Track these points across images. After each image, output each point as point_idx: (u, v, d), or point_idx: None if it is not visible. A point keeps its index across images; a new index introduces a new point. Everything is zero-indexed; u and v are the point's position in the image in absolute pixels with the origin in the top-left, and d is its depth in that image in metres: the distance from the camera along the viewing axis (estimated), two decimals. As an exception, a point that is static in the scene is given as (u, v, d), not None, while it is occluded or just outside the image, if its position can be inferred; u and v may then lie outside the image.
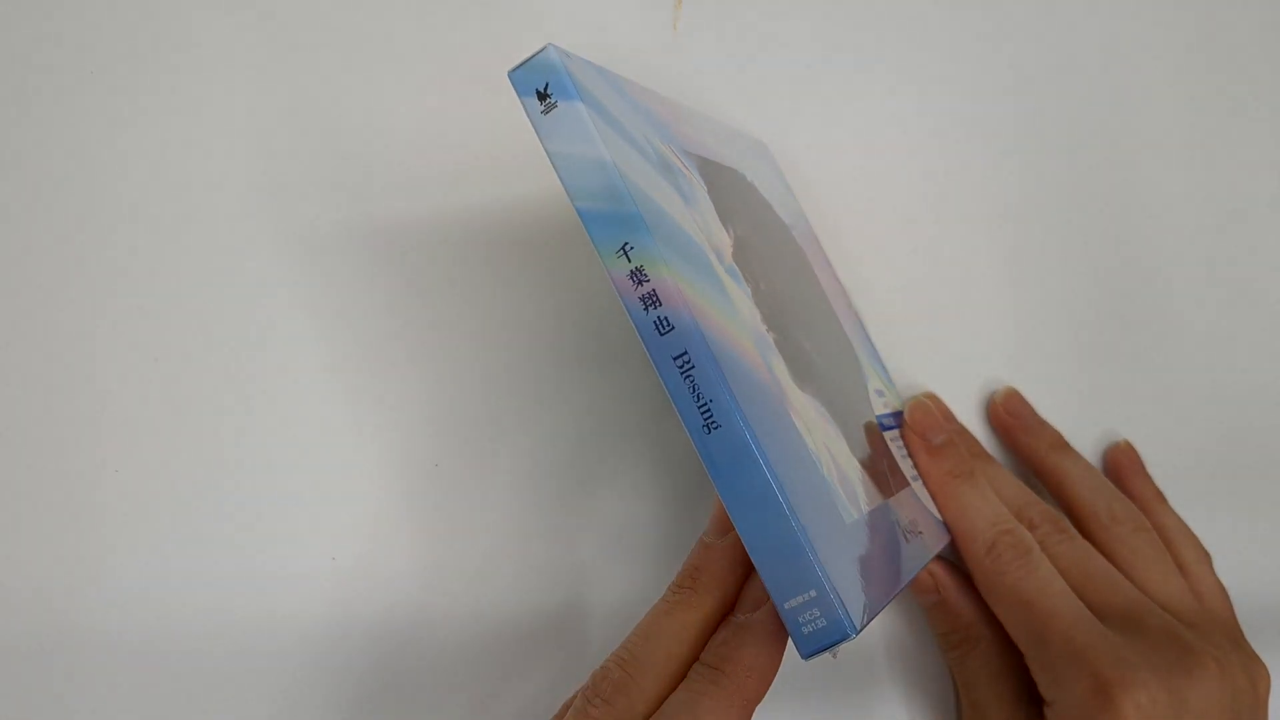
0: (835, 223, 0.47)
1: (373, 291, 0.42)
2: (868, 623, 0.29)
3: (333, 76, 0.44)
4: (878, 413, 0.40)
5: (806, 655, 0.28)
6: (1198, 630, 0.38)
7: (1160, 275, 0.50)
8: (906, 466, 0.39)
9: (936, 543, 0.38)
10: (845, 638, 0.27)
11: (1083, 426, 0.47)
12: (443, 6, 0.45)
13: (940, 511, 0.40)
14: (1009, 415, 0.45)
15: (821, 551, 0.28)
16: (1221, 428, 0.49)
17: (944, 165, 0.49)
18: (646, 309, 0.28)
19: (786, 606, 0.28)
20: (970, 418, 0.47)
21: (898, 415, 0.42)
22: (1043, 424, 0.45)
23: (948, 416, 0.44)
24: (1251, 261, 0.51)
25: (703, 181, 0.35)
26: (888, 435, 0.39)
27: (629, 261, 0.28)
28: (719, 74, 0.48)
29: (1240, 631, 0.40)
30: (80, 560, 0.38)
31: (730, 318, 0.30)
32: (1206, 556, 0.42)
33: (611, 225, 0.28)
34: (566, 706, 0.33)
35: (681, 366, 0.28)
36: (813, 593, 0.27)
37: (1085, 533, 0.42)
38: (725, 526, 0.33)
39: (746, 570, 0.32)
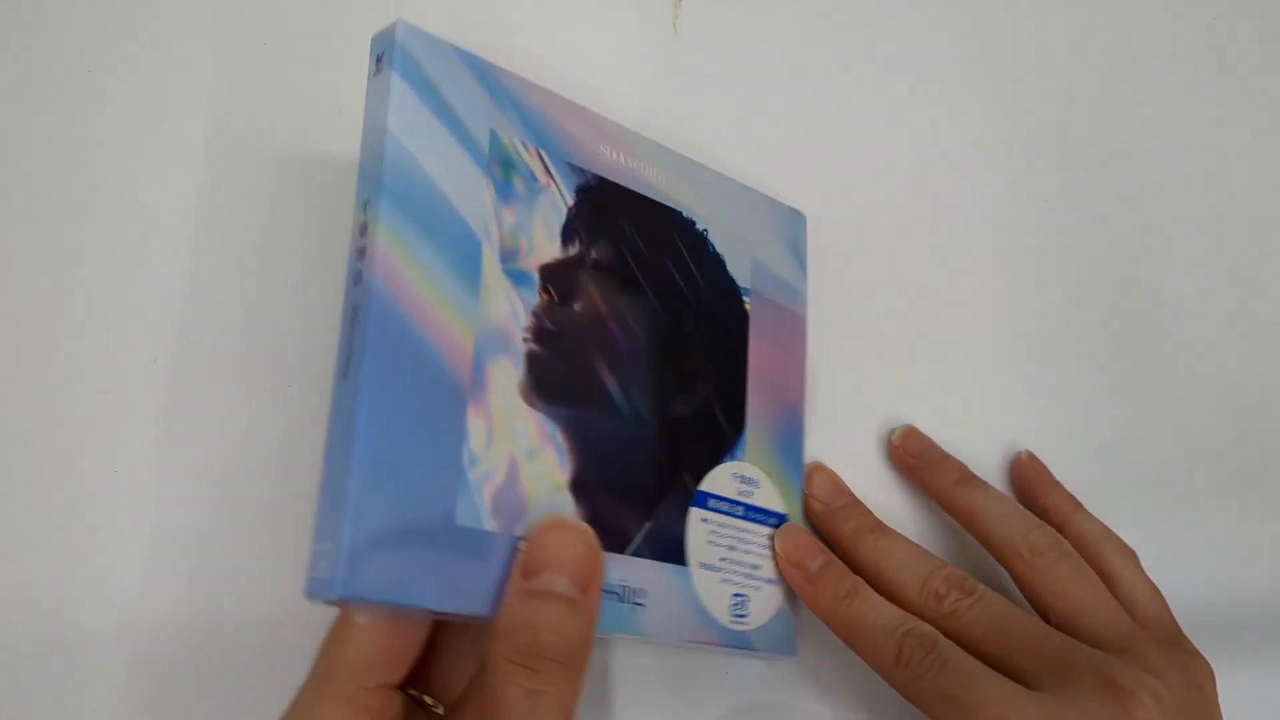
0: (830, 215, 0.47)
1: None
2: (375, 600, 0.29)
3: (334, 79, 0.44)
4: (715, 490, 0.39)
5: (306, 595, 0.30)
6: (1131, 655, 0.37)
7: (1163, 279, 0.49)
8: (706, 551, 0.38)
9: (672, 631, 0.37)
10: (327, 596, 0.29)
11: (1086, 427, 0.46)
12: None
13: (842, 638, 0.39)
14: (910, 456, 0.44)
15: (365, 518, 0.29)
16: (1227, 430, 0.48)
17: (942, 161, 0.49)
18: (355, 260, 0.31)
19: (315, 546, 0.30)
20: (979, 431, 0.46)
21: (751, 508, 0.40)
22: (945, 459, 0.44)
23: (840, 490, 0.43)
24: (1255, 263, 0.50)
25: (570, 195, 0.36)
26: (703, 512, 0.38)
27: (363, 215, 0.32)
28: (719, 73, 0.48)
29: (1178, 630, 0.40)
30: (80, 560, 0.38)
31: (449, 305, 0.32)
32: (1133, 556, 0.42)
33: (366, 182, 0.32)
34: None
35: (352, 316, 0.31)
36: (330, 545, 0.29)
37: (1007, 567, 0.41)
38: None
39: None
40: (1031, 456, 0.45)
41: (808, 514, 0.43)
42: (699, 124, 0.47)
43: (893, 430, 0.45)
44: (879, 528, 0.41)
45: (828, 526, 0.42)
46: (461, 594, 0.31)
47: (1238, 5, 0.54)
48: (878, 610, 0.38)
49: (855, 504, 0.43)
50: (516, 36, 0.46)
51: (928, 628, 0.37)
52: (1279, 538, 0.47)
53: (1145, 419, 0.47)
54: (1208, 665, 0.38)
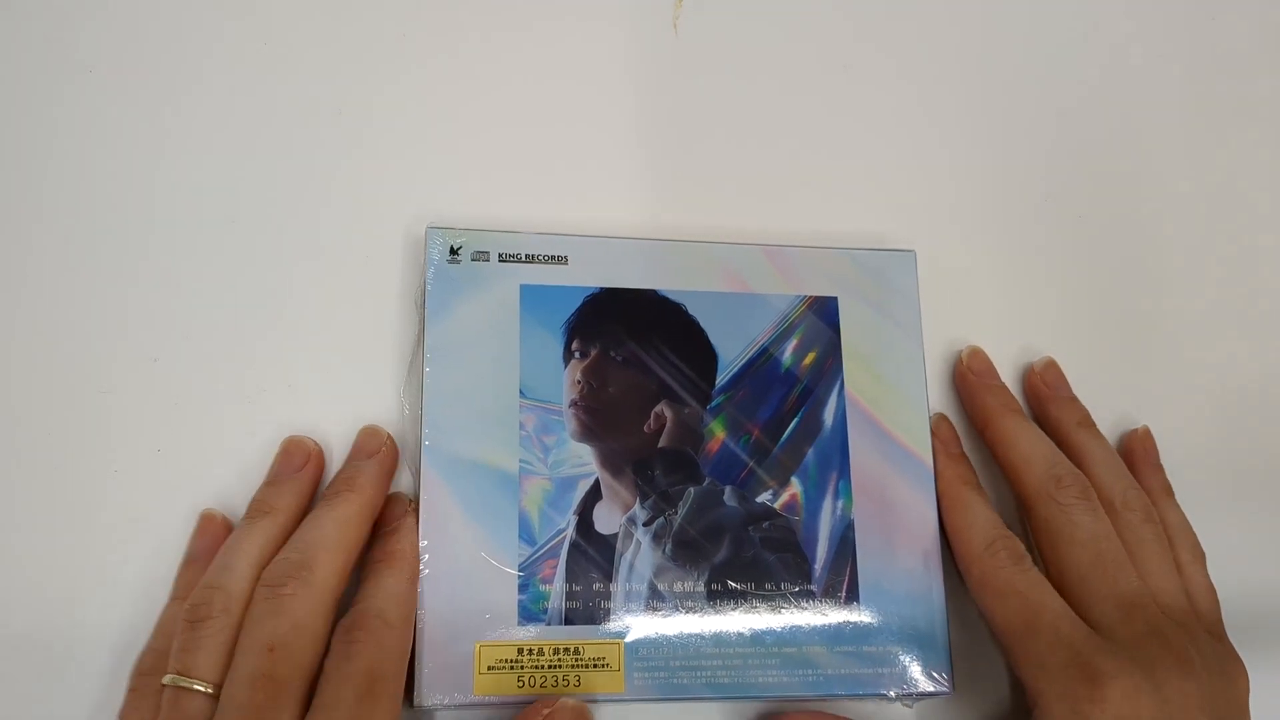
0: (824, 212, 0.47)
1: (373, 295, 0.42)
2: None
3: (336, 76, 0.44)
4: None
5: None
6: (1184, 629, 0.38)
7: (1175, 271, 0.49)
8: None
9: None
10: None
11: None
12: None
13: (944, 510, 0.42)
14: (1044, 385, 0.45)
15: None
16: (1236, 425, 0.48)
17: (949, 155, 0.49)
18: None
19: None
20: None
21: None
22: (1074, 399, 0.45)
23: (994, 371, 0.45)
24: (1265, 259, 0.50)
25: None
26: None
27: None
28: (719, 72, 0.48)
29: (1224, 631, 0.41)
30: (80, 560, 0.38)
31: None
32: (1202, 556, 0.42)
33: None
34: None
35: None
36: None
37: None
38: (370, 451, 0.39)
39: (389, 482, 0.39)
40: (1147, 433, 0.46)
41: (960, 384, 0.46)
42: (698, 124, 0.47)
43: (1036, 359, 0.46)
44: (1022, 412, 0.44)
45: (976, 396, 0.45)
46: None
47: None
48: (989, 508, 0.42)
49: (1005, 387, 0.45)
50: (517, 36, 0.46)
51: (1021, 545, 0.40)
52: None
53: (1145, 420, 0.47)
54: (1245, 669, 0.39)
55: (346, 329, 0.42)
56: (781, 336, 0.43)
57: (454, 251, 0.41)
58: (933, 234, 0.47)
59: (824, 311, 0.43)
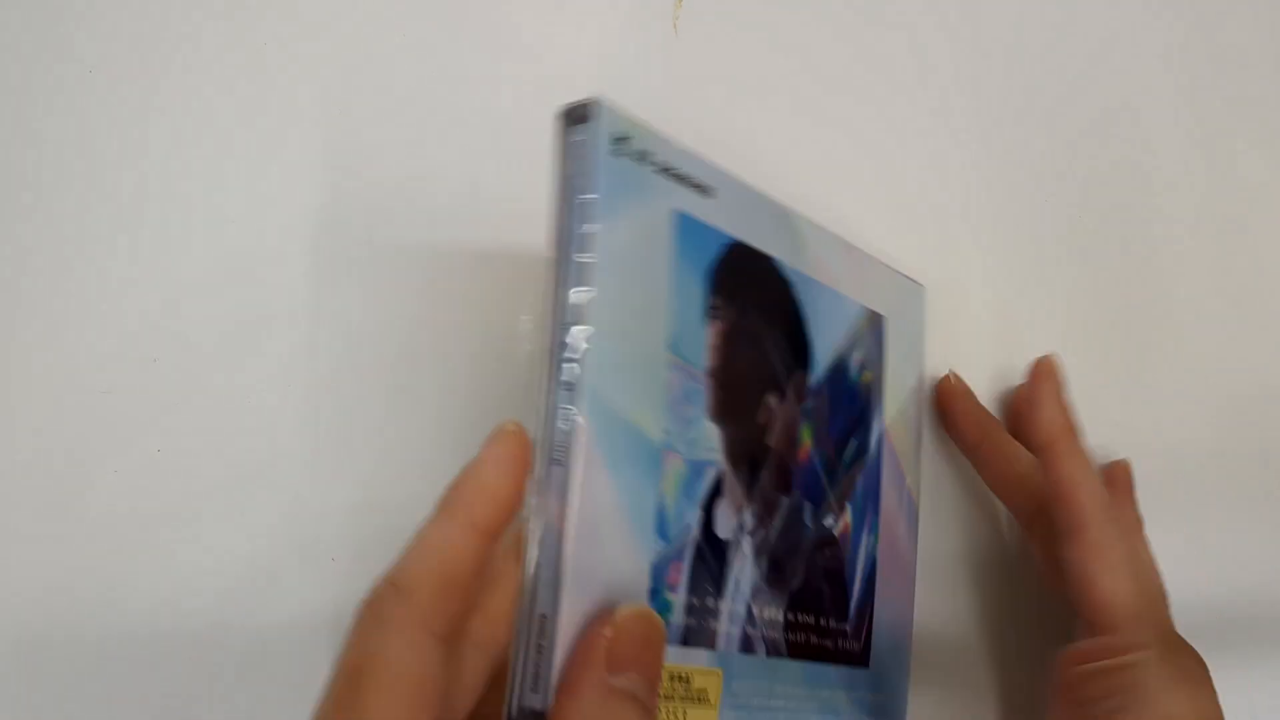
0: (841, 203, 0.45)
1: (377, 297, 0.39)
2: None
3: (337, 86, 0.41)
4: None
5: None
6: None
7: (1166, 279, 0.52)
8: None
9: None
10: None
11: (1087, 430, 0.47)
12: None
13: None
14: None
15: None
16: (1226, 432, 0.52)
17: (947, 161, 0.49)
18: None
19: None
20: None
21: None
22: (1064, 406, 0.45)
23: (970, 395, 0.45)
24: (1258, 266, 0.55)
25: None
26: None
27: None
28: (719, 72, 0.45)
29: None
30: (80, 561, 0.36)
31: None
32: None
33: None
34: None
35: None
36: None
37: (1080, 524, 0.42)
38: None
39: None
40: (1128, 469, 0.46)
41: (943, 406, 0.45)
42: (698, 124, 0.42)
43: (1043, 356, 0.44)
44: (1004, 430, 0.45)
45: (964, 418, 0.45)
46: None
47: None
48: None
49: (983, 408, 0.46)
50: (518, 37, 0.43)
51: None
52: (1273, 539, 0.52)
53: (1146, 421, 0.50)
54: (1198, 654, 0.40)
55: (347, 325, 0.39)
56: (853, 347, 0.39)
57: (617, 141, 0.31)
58: (940, 258, 0.47)
59: (877, 330, 0.40)
